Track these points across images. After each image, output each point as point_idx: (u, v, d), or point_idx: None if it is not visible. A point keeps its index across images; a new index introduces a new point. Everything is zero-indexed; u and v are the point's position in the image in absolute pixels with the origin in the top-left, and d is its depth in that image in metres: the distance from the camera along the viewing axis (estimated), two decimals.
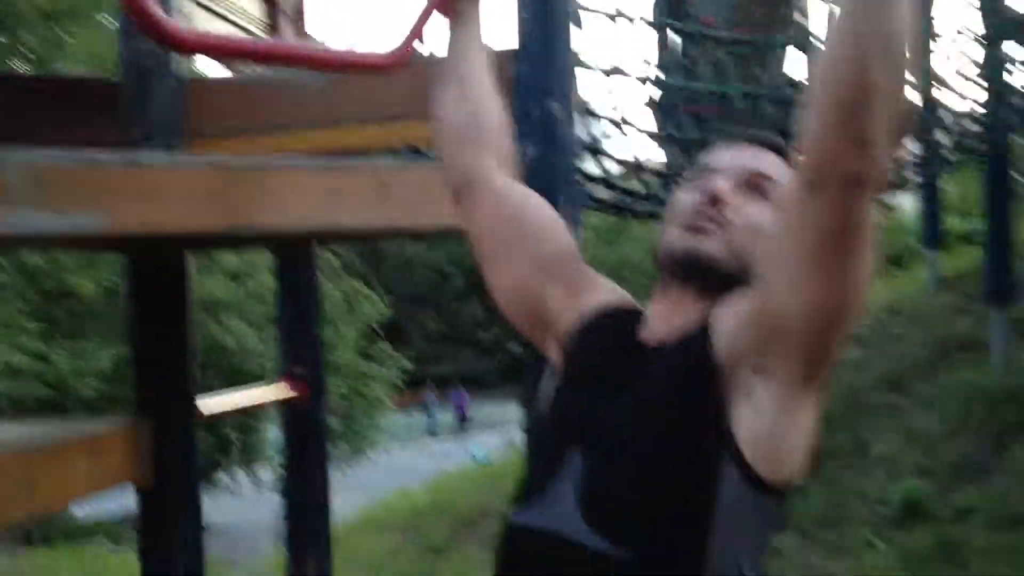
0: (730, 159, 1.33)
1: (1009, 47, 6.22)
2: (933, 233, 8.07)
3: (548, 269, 1.41)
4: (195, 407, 2.33)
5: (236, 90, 2.49)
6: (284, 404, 3.08)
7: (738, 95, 4.79)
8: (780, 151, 1.35)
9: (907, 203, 10.96)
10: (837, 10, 1.09)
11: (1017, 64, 6.33)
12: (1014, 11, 6.28)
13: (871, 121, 1.05)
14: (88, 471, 2.05)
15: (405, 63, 1.58)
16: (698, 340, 1.21)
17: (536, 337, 1.44)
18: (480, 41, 1.56)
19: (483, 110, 1.52)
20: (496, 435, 17.43)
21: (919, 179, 6.96)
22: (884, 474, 5.57)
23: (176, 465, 2.24)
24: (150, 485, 2.20)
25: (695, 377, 1.20)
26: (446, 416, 25.15)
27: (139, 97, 2.30)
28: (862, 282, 1.12)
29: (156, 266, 2.27)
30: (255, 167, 1.91)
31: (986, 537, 4.76)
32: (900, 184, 6.64)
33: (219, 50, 1.47)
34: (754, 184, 1.29)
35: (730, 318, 1.20)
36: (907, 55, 1.08)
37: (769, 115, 4.90)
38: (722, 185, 1.28)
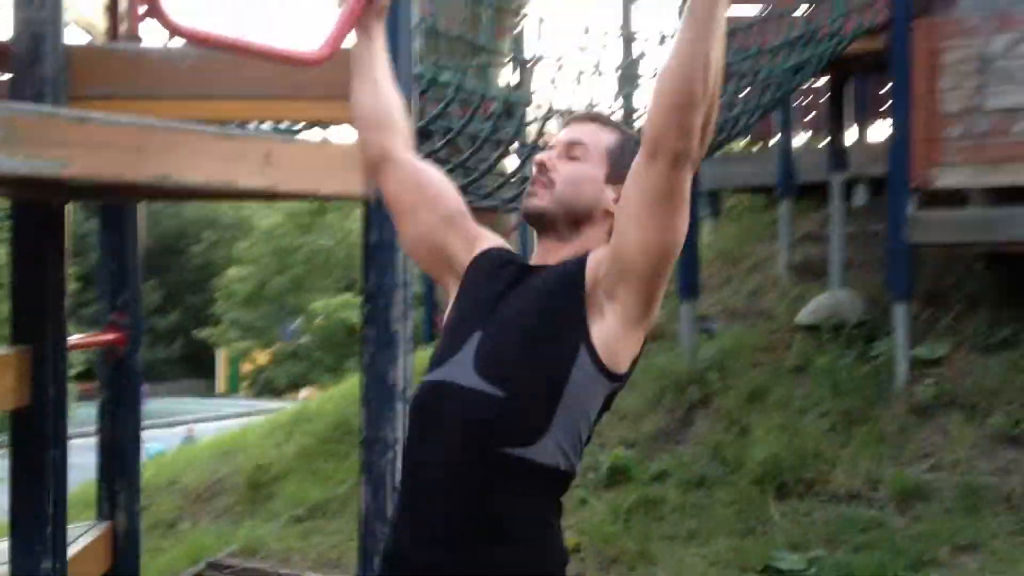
0: (559, 136, 1.81)
1: None
2: None
3: (448, 222, 1.87)
4: (66, 336, 2.65)
5: (116, 58, 2.80)
6: (106, 350, 3.37)
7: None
8: (595, 119, 1.85)
9: None
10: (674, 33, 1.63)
11: None
12: None
13: (692, 117, 1.52)
14: None
15: (328, 59, 2.07)
16: (572, 265, 1.70)
17: (436, 272, 1.92)
18: (383, 49, 2.07)
19: (391, 103, 1.97)
20: (173, 430, 17.34)
21: None
22: (595, 445, 6.42)
23: (51, 387, 2.55)
24: (25, 405, 2.50)
25: (567, 287, 1.66)
26: None
27: (30, 59, 2.57)
28: (681, 231, 1.62)
29: (43, 212, 2.57)
30: (176, 129, 2.31)
31: (678, 495, 5.54)
32: None
33: (198, 39, 1.87)
34: (569, 152, 1.76)
35: (596, 257, 1.70)
36: (719, 75, 1.57)
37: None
38: (546, 156, 1.77)
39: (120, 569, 3.26)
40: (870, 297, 6.78)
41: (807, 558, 4.77)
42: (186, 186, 2.30)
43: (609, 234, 1.72)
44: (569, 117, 1.94)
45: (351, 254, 25.12)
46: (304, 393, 22.42)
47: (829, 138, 7.51)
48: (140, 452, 3.47)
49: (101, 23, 3.07)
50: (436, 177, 1.96)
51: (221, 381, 30.91)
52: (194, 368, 31.20)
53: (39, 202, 2.54)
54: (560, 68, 4.25)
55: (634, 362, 1.70)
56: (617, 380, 1.67)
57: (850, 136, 8.11)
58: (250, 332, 26.68)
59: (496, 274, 1.78)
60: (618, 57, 5.76)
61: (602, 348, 1.65)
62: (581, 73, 4.36)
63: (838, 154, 7.36)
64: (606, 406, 1.71)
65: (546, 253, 1.77)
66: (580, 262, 1.70)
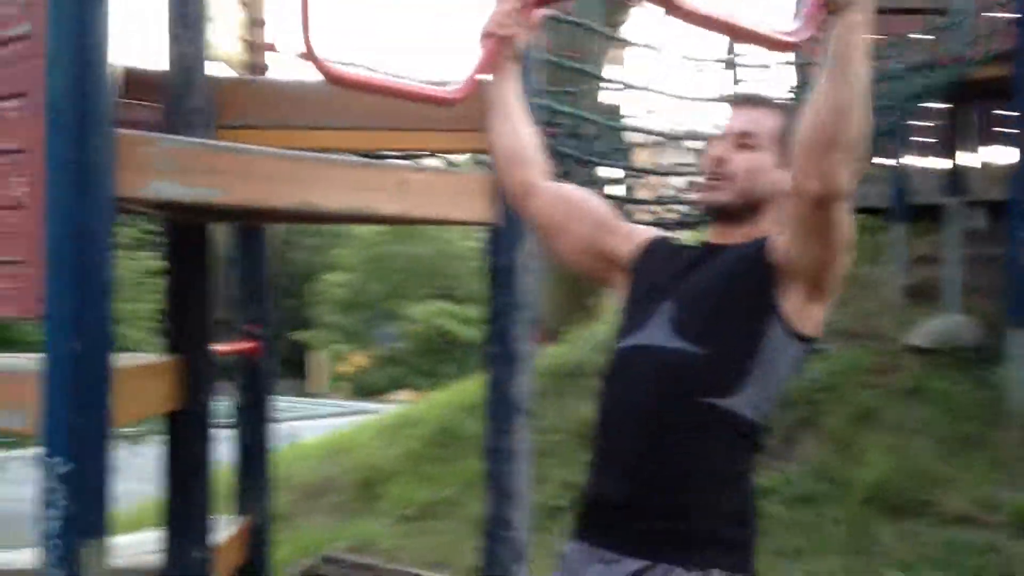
0: (728, 125, 1.87)
1: None
2: None
3: (601, 226, 2.00)
4: (213, 348, 2.88)
5: (257, 90, 3.02)
6: (243, 357, 3.61)
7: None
8: (760, 103, 1.89)
9: None
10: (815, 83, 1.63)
11: None
12: None
13: (832, 160, 1.57)
14: (155, 390, 2.57)
15: (465, 99, 2.22)
16: (758, 244, 1.77)
17: (604, 275, 2.02)
18: (519, 88, 2.21)
19: (527, 139, 2.08)
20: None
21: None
22: None
23: (202, 391, 2.77)
24: (181, 408, 2.73)
25: (756, 262, 1.76)
26: None
27: (182, 91, 2.81)
28: (842, 246, 1.68)
29: (193, 233, 2.80)
30: (319, 160, 2.51)
31: (784, 512, 5.48)
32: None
33: (351, 83, 2.04)
34: (741, 142, 1.83)
35: (777, 247, 1.75)
36: (863, 115, 1.59)
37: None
38: (720, 151, 1.84)
39: (255, 560, 3.50)
40: (986, 322, 6.67)
41: None
42: (325, 212, 2.50)
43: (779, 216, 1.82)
44: (735, 101, 2.03)
45: (448, 263, 25.71)
46: (400, 396, 22.86)
47: (947, 161, 7.40)
48: (269, 451, 3.71)
49: (238, 56, 3.30)
50: (577, 192, 2.10)
51: (316, 381, 31.69)
52: (288, 368, 32.08)
53: (190, 224, 2.77)
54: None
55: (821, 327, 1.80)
56: (809, 342, 1.78)
57: (968, 160, 7.96)
58: (347, 335, 27.06)
59: (675, 255, 1.90)
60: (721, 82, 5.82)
61: (791, 315, 1.75)
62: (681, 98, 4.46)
63: (955, 177, 7.25)
64: (796, 368, 1.82)
65: (722, 235, 1.87)
66: (762, 246, 1.78)
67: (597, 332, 9.61)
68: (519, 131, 2.10)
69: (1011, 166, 6.44)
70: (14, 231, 2.07)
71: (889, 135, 6.44)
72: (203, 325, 2.81)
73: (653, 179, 5.49)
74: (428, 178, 2.69)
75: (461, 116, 2.37)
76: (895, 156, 7.92)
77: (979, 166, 8.24)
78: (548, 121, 4.94)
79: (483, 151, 2.86)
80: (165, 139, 2.24)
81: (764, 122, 1.85)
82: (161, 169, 2.12)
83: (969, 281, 7.20)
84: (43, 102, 2.00)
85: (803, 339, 1.77)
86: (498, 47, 2.06)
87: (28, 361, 2.25)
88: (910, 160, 7.95)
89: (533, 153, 2.10)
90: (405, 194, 2.57)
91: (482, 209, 2.70)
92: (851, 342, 7.35)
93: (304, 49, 1.84)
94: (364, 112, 2.83)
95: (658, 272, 1.89)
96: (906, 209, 7.84)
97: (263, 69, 3.28)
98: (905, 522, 5.29)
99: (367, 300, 26.62)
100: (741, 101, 1.96)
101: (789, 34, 1.68)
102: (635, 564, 1.72)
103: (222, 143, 2.32)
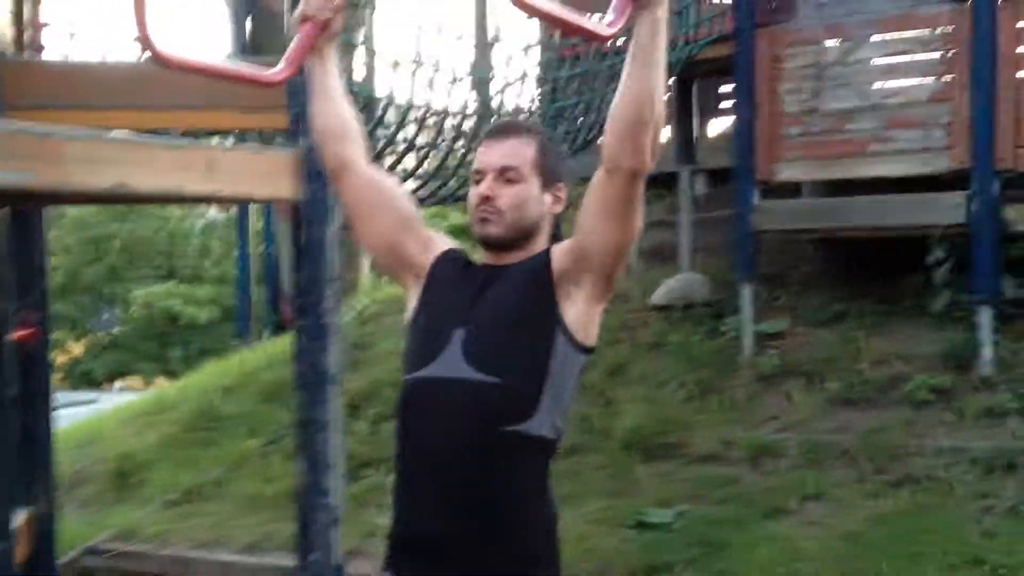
0: (487, 160, 2.00)
1: None
2: None
3: (404, 224, 2.11)
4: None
5: (46, 70, 2.94)
6: (18, 345, 3.50)
7: None
8: (511, 133, 2.03)
9: None
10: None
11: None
12: None
13: (644, 139, 1.78)
14: None
15: (287, 80, 2.32)
16: (538, 263, 1.96)
17: (395, 271, 2.15)
18: (336, 69, 2.29)
19: (346, 117, 2.18)
20: None
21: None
22: None
23: None
24: None
25: (537, 282, 1.93)
26: None
27: None
28: (637, 228, 1.90)
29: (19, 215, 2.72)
30: (130, 141, 2.52)
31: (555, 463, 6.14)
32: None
33: (178, 66, 2.08)
34: (504, 177, 1.98)
35: (559, 252, 1.96)
36: (663, 98, 1.83)
37: None
38: (485, 189, 1.97)
39: (42, 551, 3.43)
40: (717, 279, 7.38)
41: (673, 512, 5.24)
42: (139, 194, 2.53)
43: (552, 232, 2.03)
44: (486, 135, 2.13)
45: (171, 242, 24.59)
46: (123, 383, 21.93)
47: (679, 133, 8.08)
48: (53, 436, 3.63)
49: (10, 35, 3.20)
50: (390, 183, 2.21)
51: None
52: None
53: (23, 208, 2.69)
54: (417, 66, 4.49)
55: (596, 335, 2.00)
56: (589, 352, 1.97)
57: (697, 131, 8.69)
58: (63, 323, 25.80)
59: (462, 277, 2.04)
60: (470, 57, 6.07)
61: (575, 327, 1.93)
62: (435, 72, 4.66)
63: (686, 147, 7.94)
64: (579, 378, 2.00)
65: (500, 259, 2.02)
66: (544, 260, 1.97)
67: (356, 304, 9.78)
68: (338, 110, 2.19)
69: (733, 138, 7.13)
70: None
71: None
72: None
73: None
74: (236, 157, 2.76)
75: (262, 95, 2.47)
76: None
77: (707, 136, 9.04)
78: None
79: (283, 129, 2.96)
80: None
81: (522, 152, 2.00)
82: None
83: (700, 243, 7.92)
84: None
85: (585, 350, 1.96)
86: (315, 30, 2.16)
87: None
88: None
89: (351, 130, 2.19)
90: (215, 173, 2.64)
91: (289, 186, 2.80)
92: None
93: (138, 30, 1.90)
94: (162, 93, 2.85)
95: (448, 295, 2.02)
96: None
97: (40, 48, 3.19)
98: (659, 463, 5.81)
99: (84, 284, 25.13)
100: (495, 133, 2.07)
101: (607, 25, 1.80)
102: None
103: (33, 126, 2.29)
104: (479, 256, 2.10)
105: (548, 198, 2.02)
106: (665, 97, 1.87)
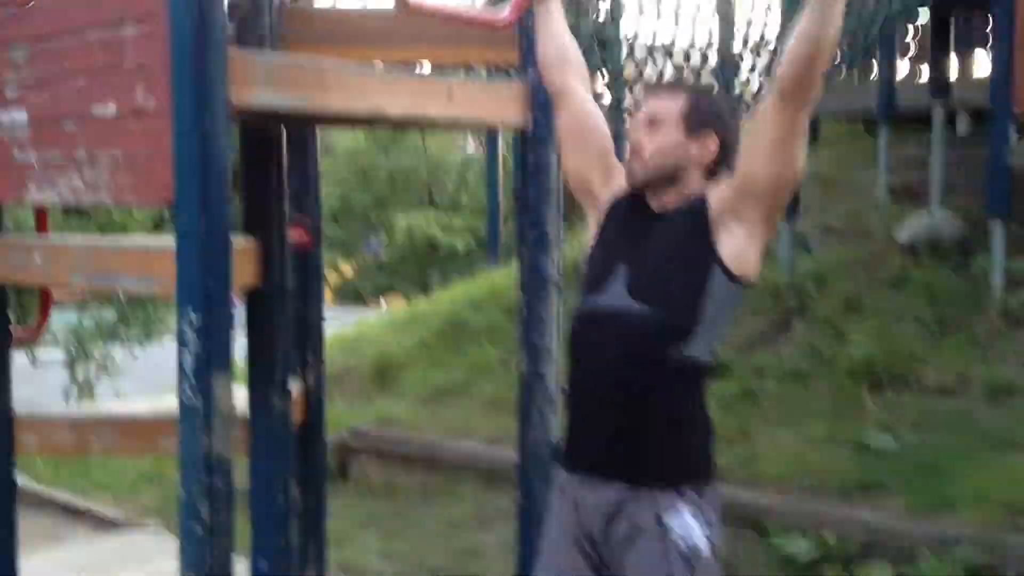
0: (638, 114, 2.29)
1: None
2: None
3: (596, 161, 2.43)
4: (286, 231, 3.39)
5: (319, 15, 3.47)
6: (294, 247, 4.12)
7: None
8: (667, 89, 2.34)
9: None
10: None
11: None
12: None
13: (816, 75, 2.00)
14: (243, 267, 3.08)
15: (515, 22, 2.67)
16: (696, 204, 2.20)
17: (581, 199, 2.47)
18: (557, 9, 2.61)
19: (566, 49, 2.52)
20: None
21: None
22: None
23: (278, 269, 3.29)
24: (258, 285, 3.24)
25: (694, 223, 2.16)
26: None
27: (254, 11, 3.25)
28: (802, 160, 2.10)
29: (266, 134, 3.28)
30: (384, 72, 2.98)
31: (776, 386, 6.13)
32: None
33: (423, 11, 2.48)
34: (651, 127, 2.24)
35: (717, 192, 2.20)
36: (836, 40, 2.03)
37: None
38: (635, 137, 2.25)
39: (314, 418, 4.07)
40: (968, 218, 7.18)
41: (897, 439, 5.31)
42: (391, 117, 2.99)
43: (707, 172, 2.25)
44: (647, 90, 2.50)
45: (432, 173, 25.86)
46: (387, 302, 23.44)
47: (933, 69, 7.84)
48: (323, 326, 4.25)
49: None
50: (596, 117, 2.50)
51: None
52: None
53: (262, 129, 3.24)
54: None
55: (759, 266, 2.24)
56: (747, 284, 2.21)
57: (952, 68, 8.37)
58: (335, 246, 27.41)
59: (632, 216, 2.31)
60: None
61: (732, 261, 2.16)
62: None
63: (940, 84, 7.70)
64: (737, 308, 2.26)
65: (659, 199, 2.29)
66: (702, 201, 2.21)
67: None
68: (557, 42, 2.53)
69: (990, 74, 6.88)
70: (143, 133, 2.57)
71: (878, 44, 6.86)
72: (279, 212, 3.32)
73: None
74: (470, 88, 3.17)
75: (496, 35, 2.85)
76: (885, 64, 8.35)
77: (962, 74, 8.67)
78: None
79: (513, 64, 3.34)
80: (265, 56, 2.72)
81: (669, 106, 2.26)
82: (263, 82, 2.61)
83: (954, 181, 7.71)
84: (164, 26, 2.47)
85: (742, 282, 2.18)
86: None
87: (155, 239, 2.77)
88: (899, 68, 8.40)
89: (571, 60, 2.53)
90: (452, 102, 3.05)
91: (515, 114, 3.18)
92: (839, 238, 7.89)
93: None
94: (412, 33, 3.29)
95: (618, 232, 2.31)
96: (893, 114, 8.27)
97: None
98: (887, 393, 5.86)
99: (354, 210, 27.04)
100: (649, 89, 2.43)
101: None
102: (621, 488, 2.17)
103: (307, 60, 2.79)
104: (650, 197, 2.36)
105: (693, 145, 2.25)
106: (837, 40, 2.07)
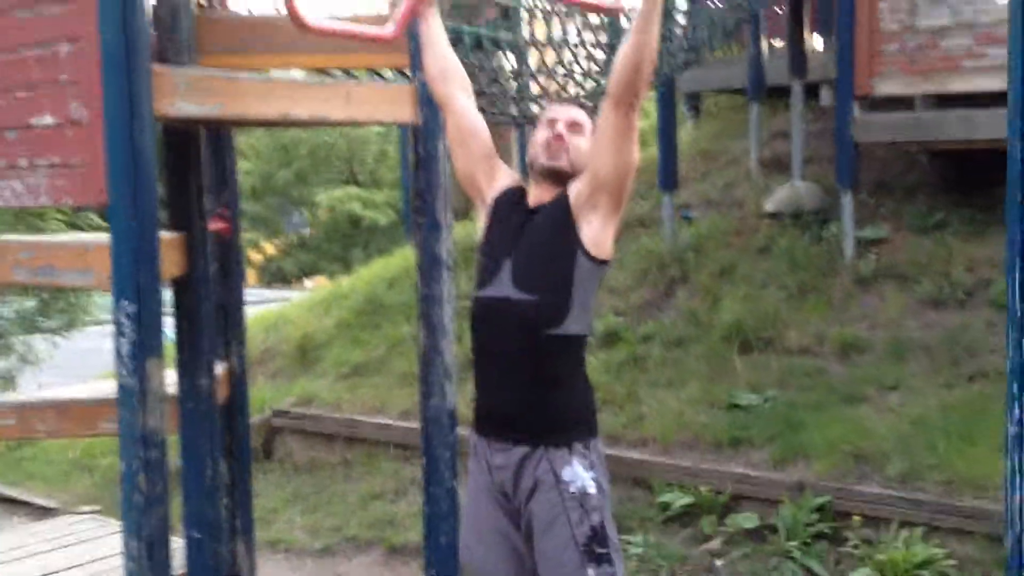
0: (561, 113, 2.52)
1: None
2: None
3: (480, 161, 2.65)
4: (207, 225, 3.61)
5: (228, 23, 3.66)
6: (216, 235, 4.32)
7: None
8: (580, 107, 2.60)
9: None
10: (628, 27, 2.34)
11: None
12: None
13: (641, 82, 2.26)
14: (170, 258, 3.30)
15: (399, 37, 2.93)
16: (562, 199, 2.44)
17: (471, 195, 2.69)
18: (437, 24, 2.79)
19: (448, 62, 2.72)
20: None
21: None
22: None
23: (202, 260, 3.51)
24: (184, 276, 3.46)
25: (561, 215, 2.41)
26: None
27: (170, 26, 3.44)
28: (636, 153, 2.39)
29: (186, 137, 3.49)
30: (290, 81, 3.22)
31: (660, 352, 6.49)
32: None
33: (319, 31, 2.72)
34: (574, 126, 2.50)
35: (577, 186, 2.45)
36: (656, 52, 2.34)
37: None
38: (561, 128, 2.48)
39: (238, 396, 4.29)
40: (827, 188, 7.68)
41: (762, 396, 5.74)
42: (298, 120, 3.24)
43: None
44: (561, 100, 2.79)
45: (352, 148, 25.14)
46: (312, 282, 23.10)
47: (789, 47, 8.28)
48: (244, 310, 4.47)
49: None
50: (478, 123, 2.72)
51: None
52: None
53: (183, 131, 3.45)
54: None
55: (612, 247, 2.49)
56: (606, 263, 2.48)
57: (810, 44, 8.82)
58: (257, 223, 26.78)
59: (514, 211, 2.54)
60: None
61: (591, 245, 2.42)
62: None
63: (798, 61, 8.15)
64: (599, 283, 2.52)
65: (543, 193, 2.52)
66: (564, 196, 2.48)
67: None
68: (443, 58, 2.75)
69: (835, 55, 7.32)
70: (77, 142, 2.77)
71: (746, 23, 7.23)
72: (199, 207, 3.53)
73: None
74: (367, 90, 3.42)
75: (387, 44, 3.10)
76: (752, 43, 8.79)
77: (823, 51, 9.14)
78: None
79: (404, 66, 3.60)
80: (184, 70, 2.94)
81: (584, 119, 2.56)
82: (183, 93, 2.83)
83: (814, 153, 8.20)
84: (95, 45, 2.67)
85: (601, 262, 2.45)
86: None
87: (93, 236, 2.98)
88: (764, 46, 8.82)
89: (452, 73, 2.75)
90: (351, 103, 3.30)
91: (406, 112, 3.44)
92: (715, 210, 8.32)
93: (287, 6, 2.56)
94: (315, 41, 3.52)
95: (503, 227, 2.54)
96: (762, 90, 8.68)
97: (224, 2, 3.93)
98: (755, 355, 6.30)
99: (275, 187, 26.29)
100: (567, 102, 2.69)
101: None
102: (522, 450, 2.45)
103: (220, 71, 3.01)
104: (531, 192, 2.60)
105: (588, 155, 2.50)
106: (656, 51, 2.40)
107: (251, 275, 28.74)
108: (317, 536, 5.50)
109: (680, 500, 5.02)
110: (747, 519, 4.79)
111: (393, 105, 3.45)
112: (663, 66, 7.06)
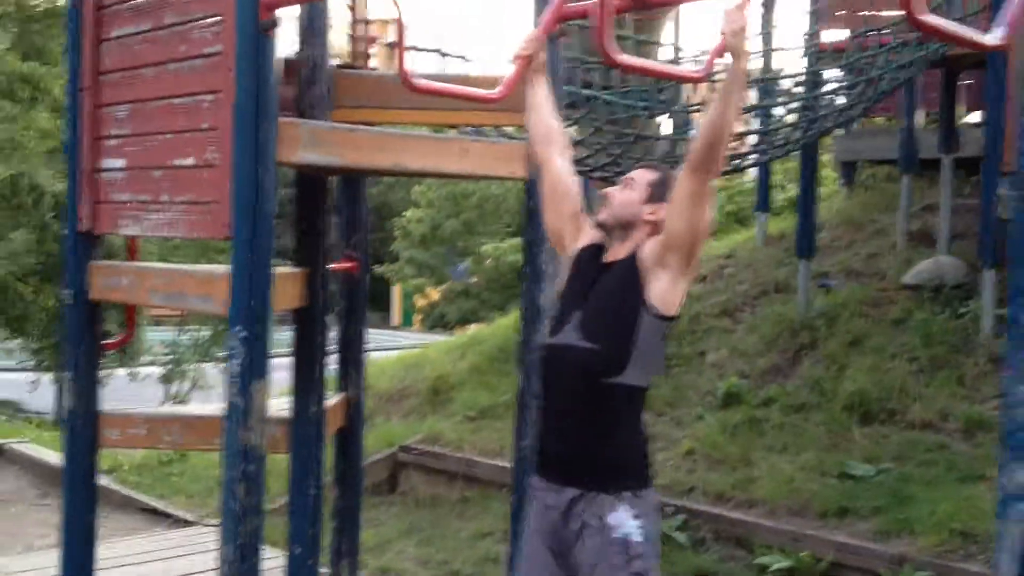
0: (622, 177, 2.74)
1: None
2: (763, 201, 9.64)
3: (568, 220, 2.80)
4: (329, 263, 3.89)
5: (362, 80, 3.98)
6: (345, 274, 4.62)
7: None
8: (646, 167, 2.73)
9: (749, 177, 12.81)
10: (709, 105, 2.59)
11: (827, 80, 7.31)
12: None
13: (718, 155, 2.37)
14: (290, 291, 3.58)
15: (505, 98, 3.12)
16: (630, 259, 2.53)
17: (558, 248, 2.85)
18: (544, 89, 3.04)
19: (550, 126, 2.88)
20: None
21: (758, 160, 7.94)
22: (715, 375, 7.28)
23: (320, 294, 3.78)
24: (306, 304, 3.73)
25: (629, 274, 2.51)
26: None
27: (310, 80, 3.77)
28: (710, 216, 2.49)
29: (316, 182, 3.79)
30: (405, 134, 3.47)
31: (779, 417, 6.43)
32: (743, 166, 8.16)
33: (428, 91, 2.97)
34: (627, 181, 2.66)
35: (647, 246, 2.57)
36: (732, 128, 2.48)
37: None
38: (610, 191, 2.66)
39: (353, 426, 4.54)
40: (972, 264, 7.41)
41: (877, 468, 5.61)
42: (411, 170, 3.48)
43: (650, 234, 2.61)
44: (637, 165, 2.92)
45: (520, 201, 25.96)
46: (473, 329, 23.54)
47: (941, 123, 8.09)
48: (364, 345, 4.74)
49: (346, 48, 4.27)
50: (571, 186, 2.87)
51: (396, 314, 32.57)
52: (370, 302, 32.83)
53: (314, 177, 3.75)
54: None
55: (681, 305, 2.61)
56: (670, 320, 2.56)
57: (961, 120, 8.59)
58: (424, 270, 27.67)
59: (591, 266, 2.68)
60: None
61: (658, 302, 2.51)
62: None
63: (948, 134, 7.95)
64: (665, 339, 2.62)
65: (617, 250, 2.65)
66: (635, 256, 2.59)
67: None
68: (546, 121, 2.91)
69: (984, 132, 7.11)
70: (210, 182, 3.08)
71: (882, 98, 7.14)
72: (322, 247, 3.81)
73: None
74: (481, 146, 3.63)
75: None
76: (905, 115, 8.63)
77: (970, 125, 8.89)
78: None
79: (517, 125, 3.81)
80: (307, 123, 3.23)
81: (643, 175, 2.69)
82: (305, 143, 3.11)
83: (963, 228, 7.95)
84: (231, 99, 2.98)
85: (666, 319, 2.53)
86: (526, 63, 2.95)
87: (218, 267, 3.28)
88: (917, 120, 8.64)
89: (553, 135, 2.90)
90: (466, 157, 3.51)
91: (519, 168, 3.62)
92: (855, 279, 8.17)
93: (399, 70, 2.79)
94: (435, 98, 3.77)
95: (579, 278, 2.68)
96: (914, 162, 8.53)
97: (367, 56, 4.25)
98: (875, 426, 6.15)
99: (443, 236, 27.29)
100: (638, 166, 2.82)
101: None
102: (572, 492, 2.54)
103: (341, 124, 3.29)
104: (609, 248, 2.74)
105: (647, 208, 2.65)
106: (732, 129, 2.50)
107: (416, 320, 29.70)
108: (425, 567, 5.68)
109: (779, 563, 4.94)
110: None
111: (506, 161, 3.64)
112: (803, 133, 7.07)
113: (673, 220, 2.51)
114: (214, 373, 12.55)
